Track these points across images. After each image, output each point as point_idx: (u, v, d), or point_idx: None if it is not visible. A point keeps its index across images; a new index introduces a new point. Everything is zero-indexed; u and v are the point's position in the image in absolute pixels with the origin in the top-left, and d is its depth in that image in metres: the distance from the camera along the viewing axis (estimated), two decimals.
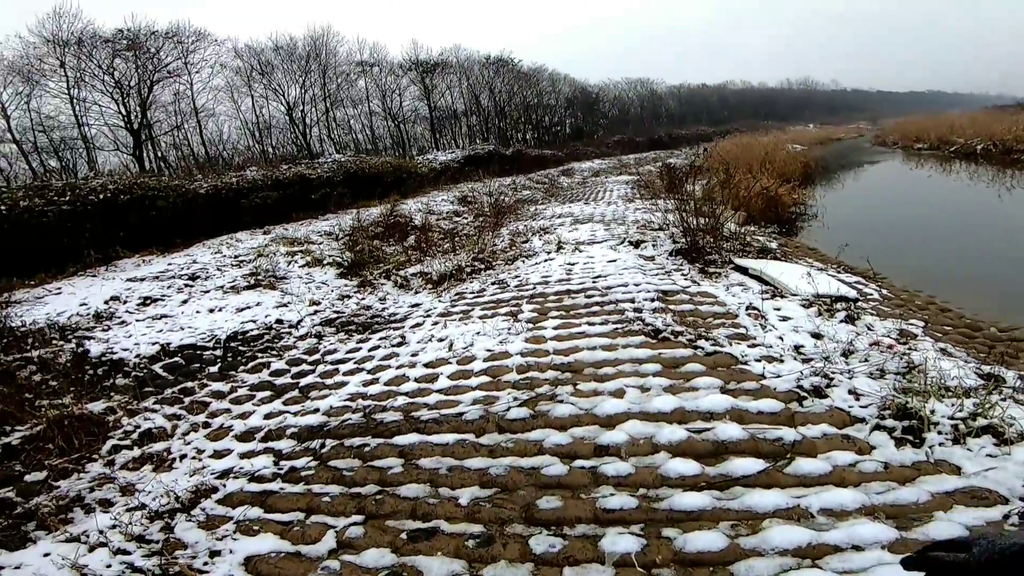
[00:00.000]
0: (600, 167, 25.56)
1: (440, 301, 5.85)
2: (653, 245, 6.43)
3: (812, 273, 5.10)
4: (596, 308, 4.48)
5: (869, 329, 3.92)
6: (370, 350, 4.75)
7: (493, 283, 5.98)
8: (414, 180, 17.96)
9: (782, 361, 3.19)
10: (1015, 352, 3.78)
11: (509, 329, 4.37)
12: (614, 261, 6.00)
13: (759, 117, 50.65)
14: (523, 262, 6.67)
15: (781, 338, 3.58)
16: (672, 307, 4.28)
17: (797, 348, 3.42)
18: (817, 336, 3.63)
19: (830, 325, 3.88)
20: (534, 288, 5.39)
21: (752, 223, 8.65)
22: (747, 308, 4.17)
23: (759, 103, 60.58)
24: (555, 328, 4.21)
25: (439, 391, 3.65)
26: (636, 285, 4.91)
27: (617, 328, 3.92)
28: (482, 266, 6.68)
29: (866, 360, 3.13)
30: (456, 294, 5.93)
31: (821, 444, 2.42)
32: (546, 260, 6.53)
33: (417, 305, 5.93)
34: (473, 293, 5.80)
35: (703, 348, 3.38)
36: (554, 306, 4.74)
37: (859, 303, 4.70)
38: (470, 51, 35.29)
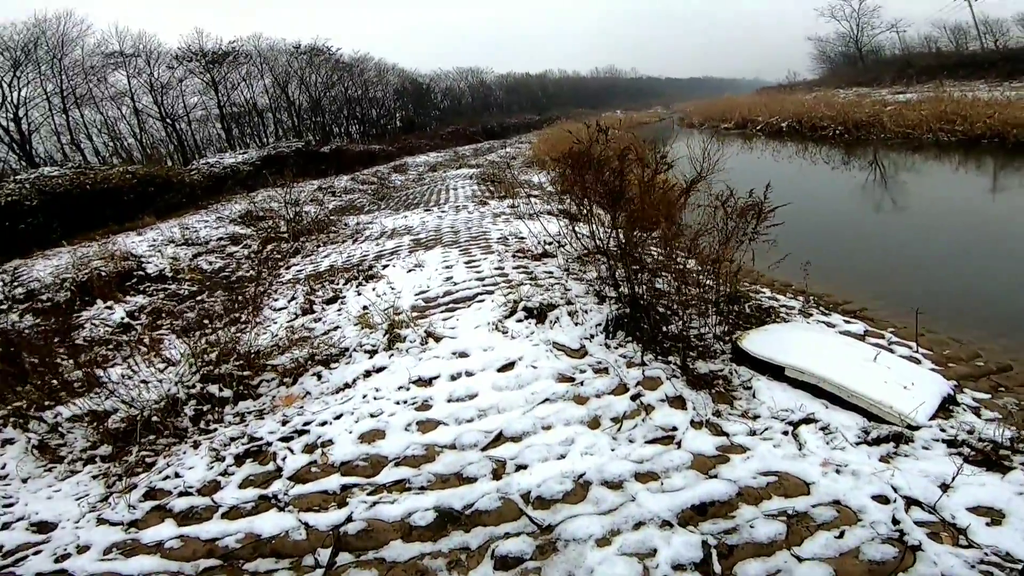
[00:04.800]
0: (437, 160, 22.47)
1: (110, 522, 2.23)
2: (569, 311, 3.57)
3: (878, 351, 2.85)
4: None
5: None
6: None
7: (243, 455, 2.50)
8: (178, 193, 12.65)
9: None
10: None
11: None
12: (512, 369, 2.96)
13: (574, 105, 52.34)
14: (319, 378, 3.13)
15: None
16: None
17: None
18: None
19: None
20: (348, 512, 2.13)
21: (637, 230, 6.36)
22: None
23: (574, 91, 63.00)
24: None
25: None
26: (612, 515, 1.88)
27: None
28: (228, 392, 3.06)
29: None
30: (147, 495, 2.35)
31: None
32: (369, 375, 3.12)
33: (41, 544, 2.22)
34: (188, 495, 2.30)
35: None
36: None
37: (956, 397, 2.55)
38: (274, 40, 30.16)
